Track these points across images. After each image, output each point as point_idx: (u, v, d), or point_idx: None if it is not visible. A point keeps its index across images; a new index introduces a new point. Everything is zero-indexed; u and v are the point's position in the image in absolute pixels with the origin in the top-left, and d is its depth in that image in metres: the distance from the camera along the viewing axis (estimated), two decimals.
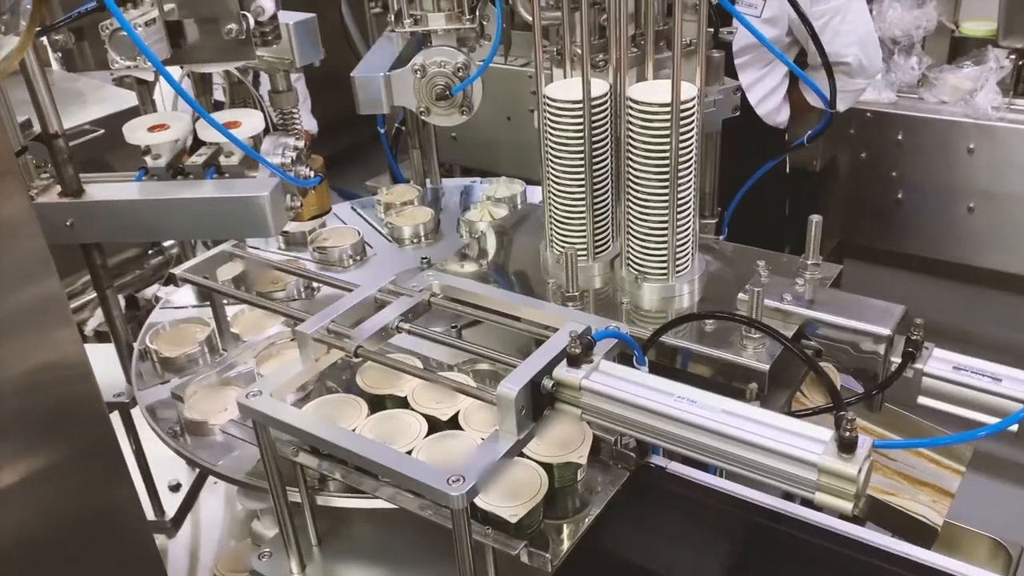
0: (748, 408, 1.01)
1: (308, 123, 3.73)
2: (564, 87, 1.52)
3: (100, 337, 2.31)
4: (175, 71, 1.53)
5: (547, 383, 1.09)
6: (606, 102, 1.49)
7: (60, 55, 1.67)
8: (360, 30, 3.62)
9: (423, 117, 1.75)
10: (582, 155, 1.50)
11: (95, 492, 1.25)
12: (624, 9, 1.41)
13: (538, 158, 1.61)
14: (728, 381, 1.35)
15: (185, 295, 1.92)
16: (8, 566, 1.15)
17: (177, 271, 1.60)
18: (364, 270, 1.89)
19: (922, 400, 1.32)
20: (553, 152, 1.53)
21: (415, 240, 1.99)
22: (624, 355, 1.19)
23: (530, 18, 1.68)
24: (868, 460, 0.93)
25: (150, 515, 1.81)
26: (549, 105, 1.50)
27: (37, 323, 1.12)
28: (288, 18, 1.60)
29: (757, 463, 0.97)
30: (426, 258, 1.83)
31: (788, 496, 1.26)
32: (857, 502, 0.94)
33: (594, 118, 1.48)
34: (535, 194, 2.16)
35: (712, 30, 1.62)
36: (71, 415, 1.19)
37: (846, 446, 0.92)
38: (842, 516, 1.18)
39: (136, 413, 1.66)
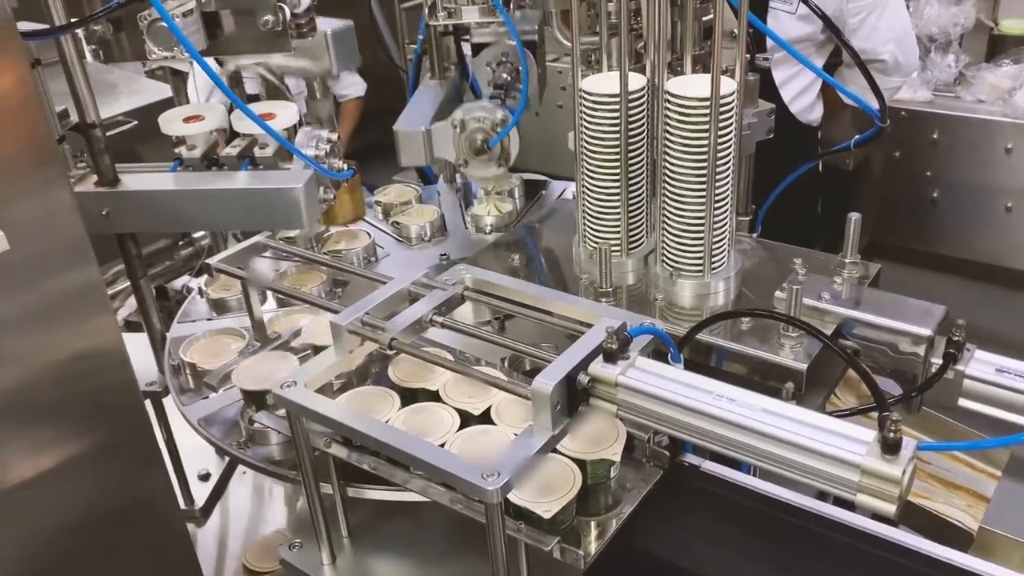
0: (789, 407, 1.00)
1: (356, 86, 3.72)
2: (600, 81, 1.50)
3: (130, 326, 2.33)
4: (209, 63, 1.53)
5: (583, 379, 1.09)
6: (643, 96, 1.48)
7: (94, 47, 1.68)
8: (389, 24, 3.62)
9: (462, 169, 1.80)
10: (618, 150, 1.48)
11: (130, 480, 1.26)
12: (662, 35, 1.40)
13: (566, 153, 1.60)
14: (763, 380, 1.33)
15: (201, 307, 1.88)
16: (46, 551, 1.16)
17: (212, 261, 1.59)
18: (379, 271, 1.89)
19: (962, 402, 1.29)
20: (588, 146, 1.52)
21: (424, 238, 1.99)
22: (657, 352, 1.17)
23: (568, 43, 1.69)
24: (912, 462, 0.92)
25: (180, 504, 1.82)
26: (585, 99, 1.48)
27: (76, 311, 1.13)
28: (325, 26, 1.61)
29: (797, 463, 0.96)
30: (445, 254, 1.83)
31: (821, 495, 1.24)
32: (900, 505, 0.92)
33: (631, 113, 1.47)
34: (557, 189, 2.17)
35: (748, 56, 1.61)
36: (108, 403, 1.20)
37: (890, 447, 0.91)
38: (874, 517, 1.16)
39: (168, 402, 1.67)
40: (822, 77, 1.77)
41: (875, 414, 1.36)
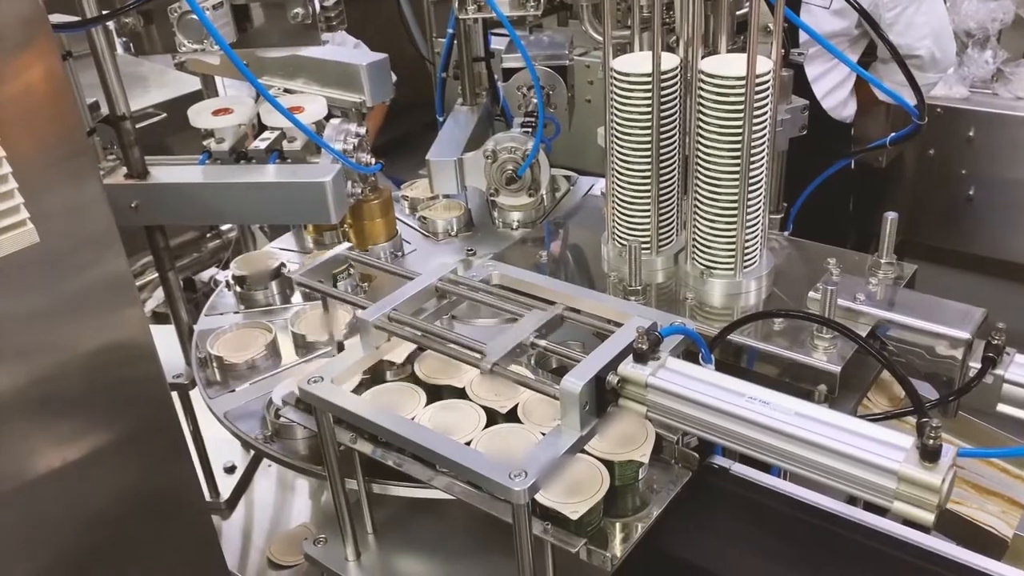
0: (823, 411, 0.97)
1: None
2: (632, 61, 1.48)
3: (157, 318, 2.35)
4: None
5: (612, 379, 1.07)
6: (676, 76, 1.45)
7: (124, 40, 1.69)
8: (416, 17, 3.61)
9: (492, 198, 1.83)
10: (649, 135, 1.46)
11: (157, 471, 1.26)
12: (696, 29, 1.37)
13: (593, 149, 1.59)
14: (795, 382, 1.31)
15: (229, 300, 1.88)
16: (73, 541, 1.17)
17: (294, 276, 1.52)
18: (406, 266, 1.88)
19: (1001, 408, 1.26)
20: (619, 132, 1.49)
21: (450, 233, 1.98)
22: (687, 352, 1.15)
23: (599, 37, 1.68)
24: (952, 470, 0.89)
25: (205, 496, 1.83)
26: (617, 80, 1.46)
27: (105, 303, 1.13)
28: (361, 59, 1.61)
29: (832, 469, 0.94)
30: (471, 250, 1.82)
31: (851, 500, 1.22)
32: (938, 513, 0.90)
33: (664, 93, 1.43)
34: (584, 185, 2.14)
35: (783, 51, 1.58)
36: (135, 395, 1.20)
37: (929, 454, 0.88)
38: (905, 522, 1.14)
39: (194, 395, 1.68)
40: (858, 72, 1.73)
41: (910, 419, 1.33)
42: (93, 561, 1.22)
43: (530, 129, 1.79)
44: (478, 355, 1.17)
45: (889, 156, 3.07)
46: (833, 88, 2.63)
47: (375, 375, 1.32)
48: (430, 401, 1.30)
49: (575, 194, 2.13)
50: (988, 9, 2.97)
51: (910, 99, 1.59)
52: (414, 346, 1.28)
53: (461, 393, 1.31)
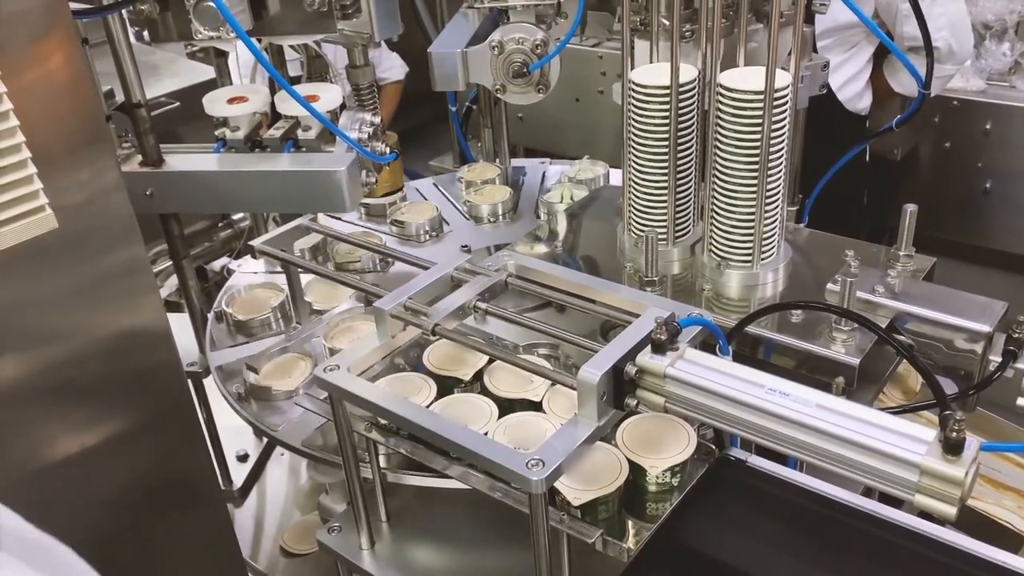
0: (844, 403, 0.96)
1: (396, 69, 3.70)
2: (650, 72, 1.47)
3: (169, 307, 2.35)
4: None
5: (630, 369, 1.06)
6: (694, 88, 1.44)
7: (136, 29, 1.68)
8: (428, 6, 3.59)
9: (498, 95, 1.73)
10: (666, 141, 1.45)
11: (173, 458, 1.27)
12: (717, 25, 1.36)
13: (605, 139, 1.57)
14: (812, 374, 1.30)
15: (258, 263, 1.92)
16: (91, 526, 1.17)
17: (255, 243, 1.60)
18: (441, 246, 1.89)
19: (1022, 402, 1.25)
20: (636, 136, 1.49)
21: (492, 219, 1.98)
22: (704, 344, 1.15)
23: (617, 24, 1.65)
24: (975, 463, 0.88)
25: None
26: (634, 91, 1.45)
27: (122, 290, 1.13)
28: None
29: (853, 461, 0.93)
30: (466, 246, 1.81)
31: (867, 492, 1.21)
32: (960, 507, 0.89)
33: (681, 104, 1.43)
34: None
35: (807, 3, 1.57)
36: (152, 381, 1.20)
37: (952, 447, 0.87)
38: (921, 515, 1.13)
39: (208, 383, 1.68)
40: (885, 42, 1.70)
41: (925, 413, 1.32)
42: (109, 548, 1.22)
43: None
44: (425, 317, 1.21)
45: (904, 149, 3.05)
46: (849, 79, 2.61)
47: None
48: (440, 392, 1.30)
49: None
50: (1006, 1, 2.94)
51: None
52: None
53: (471, 386, 1.31)
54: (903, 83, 2.65)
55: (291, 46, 1.81)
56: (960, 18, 2.54)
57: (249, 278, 1.86)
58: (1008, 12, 2.94)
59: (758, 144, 1.35)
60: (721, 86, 1.36)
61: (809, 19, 1.63)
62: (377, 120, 1.64)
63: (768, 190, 1.38)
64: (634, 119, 1.48)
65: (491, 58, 1.65)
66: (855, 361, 1.25)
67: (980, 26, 2.95)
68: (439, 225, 1.93)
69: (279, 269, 1.80)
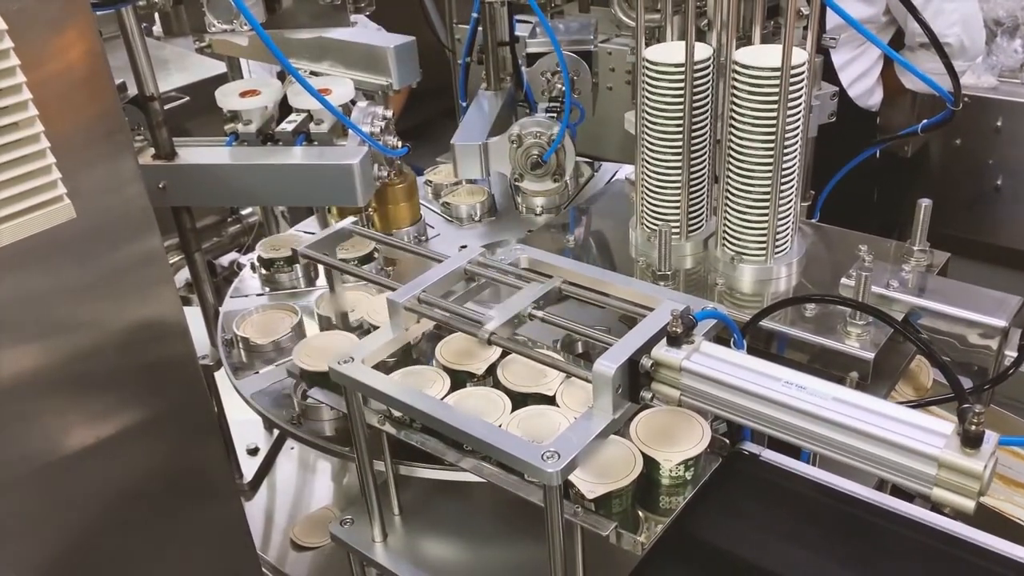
0: (861, 396, 0.96)
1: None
2: (664, 50, 1.46)
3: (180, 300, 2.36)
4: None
5: (646, 362, 1.06)
6: (709, 67, 1.44)
7: (145, 24, 1.69)
8: (436, 4, 3.59)
9: (517, 183, 1.83)
10: (680, 123, 1.44)
11: (187, 449, 1.27)
12: (729, 14, 1.36)
13: (616, 136, 1.57)
14: (826, 368, 1.30)
15: (253, 283, 1.89)
16: (106, 516, 1.18)
17: (299, 249, 1.50)
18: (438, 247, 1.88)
19: None
20: (650, 120, 1.48)
21: (474, 219, 1.98)
22: (718, 338, 1.14)
23: (629, 22, 1.66)
24: (994, 457, 0.88)
25: None
26: (649, 69, 1.44)
27: (139, 281, 1.14)
28: (388, 41, 1.60)
29: (870, 454, 0.93)
30: (465, 246, 1.82)
31: (881, 485, 1.21)
32: (978, 501, 0.89)
33: (696, 83, 1.42)
34: (607, 171, 2.15)
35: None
36: (167, 373, 1.21)
37: (971, 441, 0.87)
38: (934, 509, 1.13)
39: (220, 376, 1.68)
40: (894, 58, 1.70)
41: (936, 408, 1.32)
42: (122, 538, 1.23)
43: (555, 114, 1.79)
44: (478, 325, 1.18)
45: (915, 146, 3.04)
46: (860, 76, 2.60)
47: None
48: (452, 384, 1.30)
49: (599, 180, 2.13)
50: None
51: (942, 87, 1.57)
52: None
53: (483, 380, 1.31)
54: (915, 80, 2.64)
55: None
56: (972, 14, 2.53)
57: (254, 300, 1.81)
58: (1020, 9, 2.93)
59: (774, 124, 1.33)
60: (737, 63, 1.35)
61: (818, 50, 1.62)
62: (389, 114, 1.64)
63: (783, 178, 1.38)
64: (648, 100, 1.47)
65: (510, 150, 1.73)
66: (870, 355, 1.25)
67: (991, 23, 2.94)
68: (424, 230, 1.92)
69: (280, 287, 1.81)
